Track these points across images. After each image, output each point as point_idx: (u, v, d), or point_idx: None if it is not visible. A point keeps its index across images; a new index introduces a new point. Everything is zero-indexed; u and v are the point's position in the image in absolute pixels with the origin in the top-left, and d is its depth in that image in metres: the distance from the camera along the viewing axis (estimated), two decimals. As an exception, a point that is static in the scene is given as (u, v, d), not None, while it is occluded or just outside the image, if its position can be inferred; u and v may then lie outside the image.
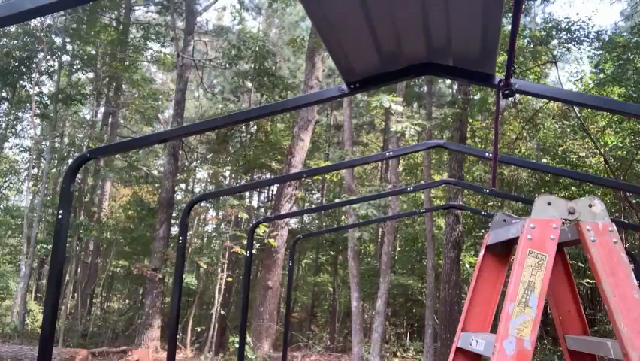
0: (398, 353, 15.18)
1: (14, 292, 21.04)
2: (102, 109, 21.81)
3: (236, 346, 8.22)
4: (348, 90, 2.64)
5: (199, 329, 17.40)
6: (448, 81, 17.38)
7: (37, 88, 18.22)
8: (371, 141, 22.24)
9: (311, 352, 14.07)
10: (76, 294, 19.17)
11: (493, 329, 2.53)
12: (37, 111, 18.42)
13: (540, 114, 14.80)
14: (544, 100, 12.90)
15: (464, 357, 2.76)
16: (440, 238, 14.99)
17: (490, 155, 4.06)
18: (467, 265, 15.08)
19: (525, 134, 15.70)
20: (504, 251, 2.85)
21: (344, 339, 16.98)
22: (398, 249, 18.89)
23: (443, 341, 11.03)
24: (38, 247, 20.24)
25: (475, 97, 13.91)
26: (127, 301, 22.49)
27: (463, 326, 2.79)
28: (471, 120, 14.97)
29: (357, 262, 12.06)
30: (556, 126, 14.93)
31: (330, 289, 20.39)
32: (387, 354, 14.14)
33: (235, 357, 8.45)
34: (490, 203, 15.32)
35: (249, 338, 12.06)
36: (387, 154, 5.05)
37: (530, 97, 12.58)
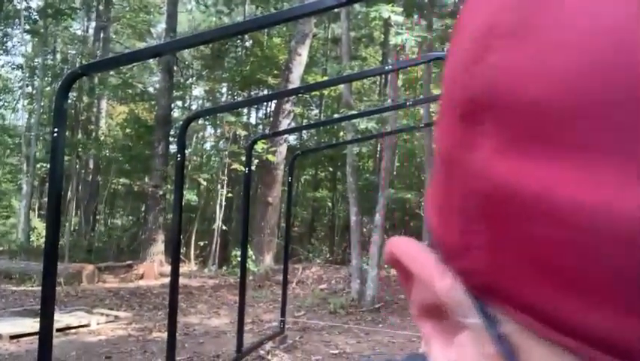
0: (396, 265, 15.62)
1: (17, 211, 21.36)
2: (93, 24, 21.13)
3: (239, 259, 8.44)
4: (347, -3, 2.51)
5: (202, 244, 17.81)
6: (450, -10, 16.70)
7: (25, 2, 17.56)
8: (370, 55, 21.72)
9: (311, 264, 14.48)
10: (79, 211, 19.45)
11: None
12: (27, 27, 17.85)
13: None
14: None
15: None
16: (439, 152, 14.99)
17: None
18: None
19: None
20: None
21: (343, 252, 17.44)
22: (397, 164, 18.96)
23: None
24: (38, 165, 20.31)
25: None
26: (130, 217, 22.87)
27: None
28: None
29: (356, 178, 12.14)
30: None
31: (330, 204, 20.68)
32: (385, 265, 14.56)
33: (238, 269, 8.70)
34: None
35: (250, 252, 12.37)
36: (387, 68, 4.93)
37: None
